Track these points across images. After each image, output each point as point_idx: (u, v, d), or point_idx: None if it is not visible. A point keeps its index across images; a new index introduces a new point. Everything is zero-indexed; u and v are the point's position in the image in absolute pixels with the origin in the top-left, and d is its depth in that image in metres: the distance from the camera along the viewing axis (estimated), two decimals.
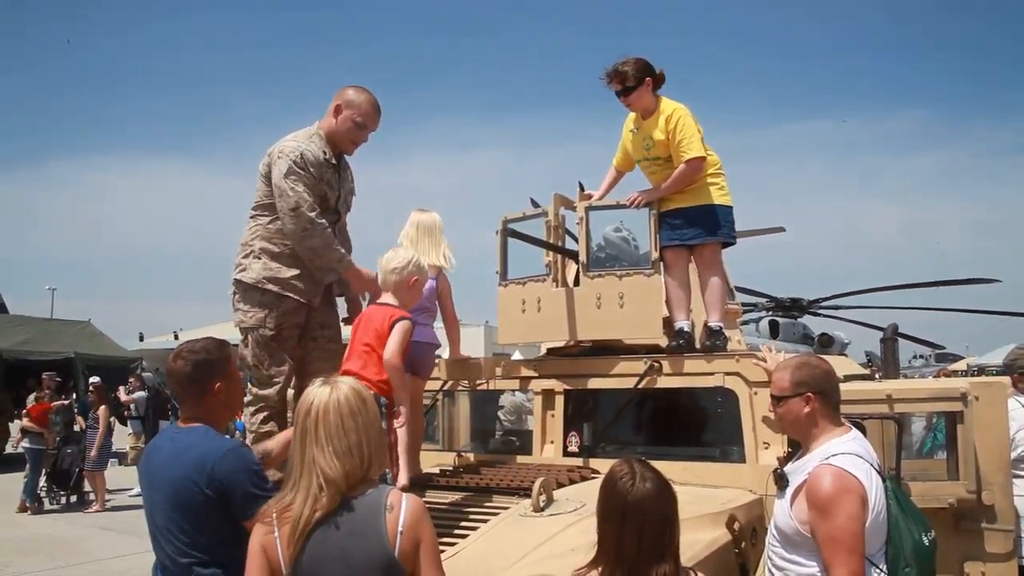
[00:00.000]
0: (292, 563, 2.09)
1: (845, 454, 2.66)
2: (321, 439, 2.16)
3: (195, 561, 2.52)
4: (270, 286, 3.68)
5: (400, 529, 2.11)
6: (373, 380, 3.25)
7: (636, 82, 4.33)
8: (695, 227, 4.37)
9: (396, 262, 3.56)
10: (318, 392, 2.22)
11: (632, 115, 4.55)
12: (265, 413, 3.70)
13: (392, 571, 2.10)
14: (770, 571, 2.88)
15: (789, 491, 2.74)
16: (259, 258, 3.71)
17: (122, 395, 13.82)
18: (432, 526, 2.22)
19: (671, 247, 4.43)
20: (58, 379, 13.77)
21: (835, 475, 2.59)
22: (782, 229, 14.26)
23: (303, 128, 3.84)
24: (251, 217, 3.80)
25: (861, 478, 2.60)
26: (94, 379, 13.22)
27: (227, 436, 2.77)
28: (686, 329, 4.38)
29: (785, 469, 2.87)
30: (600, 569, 2.25)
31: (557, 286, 4.54)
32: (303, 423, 2.20)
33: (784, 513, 2.74)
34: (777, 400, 2.84)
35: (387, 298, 3.58)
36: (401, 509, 2.14)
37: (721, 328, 4.37)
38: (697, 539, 3.02)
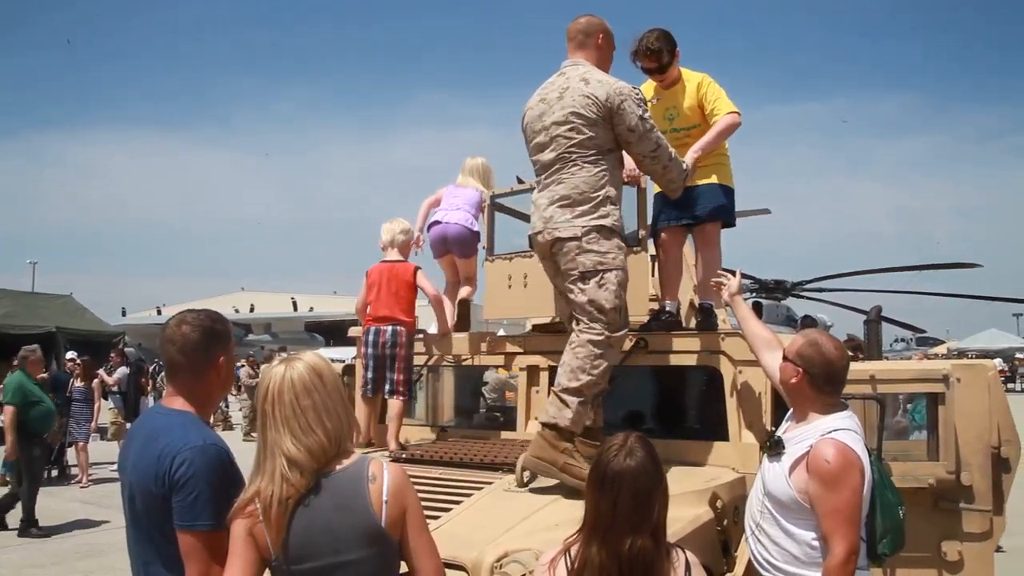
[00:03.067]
0: (279, 545, 2.07)
1: (845, 430, 2.76)
2: (279, 421, 2.12)
3: (156, 564, 2.33)
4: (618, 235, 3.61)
5: (385, 498, 2.10)
6: (406, 320, 4.46)
7: (670, 56, 4.21)
8: (701, 206, 4.29)
9: (403, 226, 4.64)
10: (272, 373, 2.18)
11: (647, 85, 4.39)
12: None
13: (380, 540, 2.09)
14: (753, 534, 2.94)
15: (787, 459, 2.81)
16: (614, 204, 3.57)
17: (107, 378, 13.71)
18: (416, 493, 2.22)
19: (670, 227, 4.38)
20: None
21: (840, 450, 2.68)
22: (767, 211, 14.31)
23: (584, 69, 3.64)
24: (592, 161, 3.51)
25: (861, 454, 2.73)
26: (80, 356, 13.12)
27: (207, 430, 2.43)
28: (670, 309, 4.34)
29: (782, 435, 2.92)
30: (582, 536, 2.27)
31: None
32: (261, 407, 2.16)
33: (780, 479, 2.81)
34: (784, 356, 2.96)
35: (393, 254, 4.60)
36: (384, 478, 2.13)
37: (712, 307, 4.34)
38: (680, 516, 3.04)
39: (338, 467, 2.15)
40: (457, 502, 3.19)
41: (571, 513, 3.07)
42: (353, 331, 4.91)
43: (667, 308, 4.36)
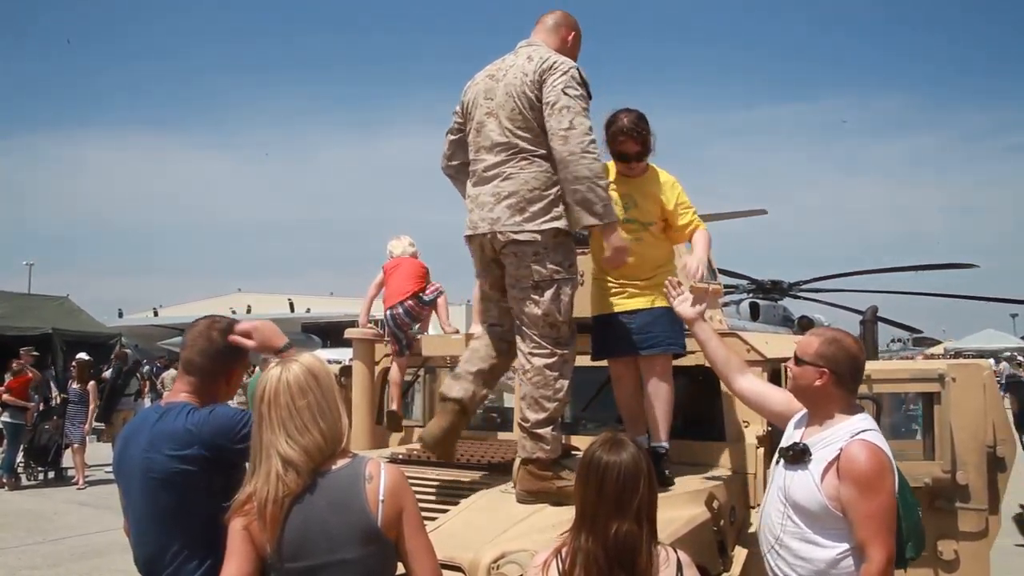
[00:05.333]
0: (274, 543, 2.08)
1: (872, 430, 2.66)
2: (275, 422, 2.13)
3: (184, 550, 2.35)
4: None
5: (381, 498, 2.11)
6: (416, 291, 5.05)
7: (649, 146, 3.70)
8: (650, 336, 3.62)
9: (410, 239, 5.39)
10: (268, 375, 2.20)
11: (610, 166, 3.78)
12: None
13: (375, 540, 2.10)
14: (773, 550, 2.75)
15: (816, 465, 2.64)
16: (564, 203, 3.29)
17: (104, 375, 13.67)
18: (413, 493, 2.23)
19: (620, 359, 3.77)
20: (35, 353, 13.62)
21: (873, 452, 2.57)
22: (764, 211, 14.34)
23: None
24: (541, 156, 3.27)
25: (890, 455, 2.63)
26: (81, 355, 13.08)
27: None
28: (661, 451, 3.62)
29: (806, 441, 2.74)
30: (572, 530, 2.29)
31: None
32: (258, 409, 2.18)
33: (809, 487, 2.64)
34: (797, 360, 2.80)
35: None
36: (380, 478, 2.14)
37: (667, 450, 3.64)
38: (676, 516, 3.05)
39: (335, 466, 2.16)
40: (454, 503, 3.19)
41: (568, 514, 3.07)
42: (350, 332, 4.92)
43: (660, 451, 3.63)
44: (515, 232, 3.21)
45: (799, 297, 17.51)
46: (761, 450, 3.76)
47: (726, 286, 12.86)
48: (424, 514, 3.04)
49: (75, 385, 12.31)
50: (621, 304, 3.69)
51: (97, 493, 11.08)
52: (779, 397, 3.15)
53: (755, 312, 16.02)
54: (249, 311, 46.83)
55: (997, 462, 3.82)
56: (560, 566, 2.24)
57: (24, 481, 12.11)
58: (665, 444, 3.63)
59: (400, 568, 2.20)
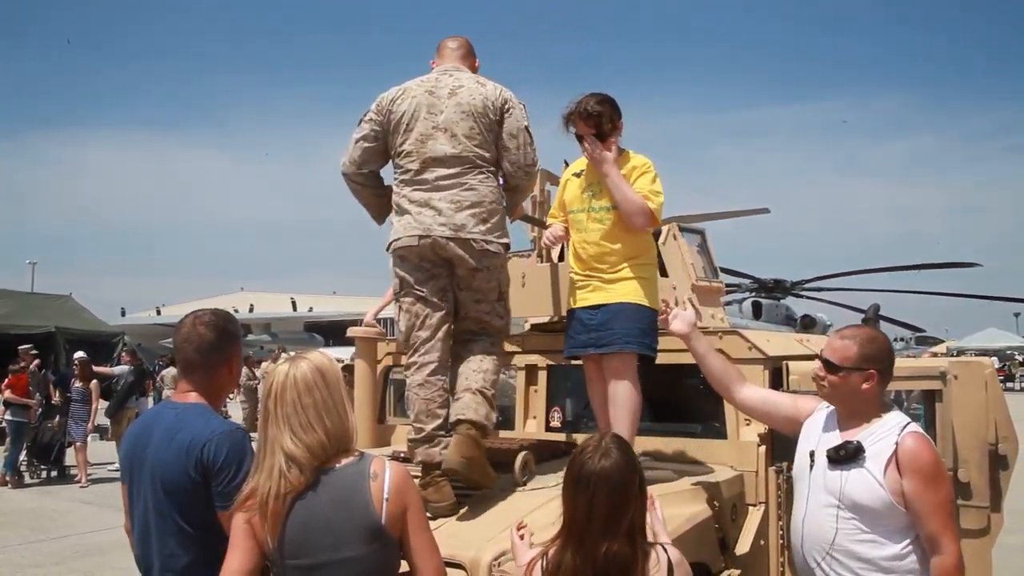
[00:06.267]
0: (275, 539, 2.09)
1: (914, 423, 2.66)
2: (279, 418, 2.15)
3: (183, 555, 2.38)
4: None
5: (386, 496, 2.12)
6: None
7: (611, 125, 3.54)
8: (608, 331, 3.47)
9: None
10: (276, 372, 2.22)
11: (581, 161, 3.74)
12: None
13: (379, 537, 2.11)
14: (826, 560, 2.64)
15: (874, 462, 2.58)
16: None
17: (112, 370, 13.72)
18: (418, 492, 2.24)
19: (587, 357, 3.63)
20: (33, 352, 13.60)
21: (929, 443, 2.59)
22: (767, 210, 14.32)
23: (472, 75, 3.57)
24: (493, 173, 3.46)
25: None
26: (79, 354, 13.10)
27: (224, 418, 2.59)
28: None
29: (856, 438, 2.66)
30: (559, 540, 2.26)
31: (542, 261, 4.54)
32: (264, 404, 2.20)
33: (870, 485, 2.57)
34: (836, 368, 2.70)
35: None
36: (385, 476, 2.15)
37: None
38: (677, 514, 3.05)
39: (339, 464, 2.16)
40: (456, 501, 3.19)
41: None
42: (352, 331, 4.92)
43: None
44: (487, 243, 3.32)
45: (801, 296, 17.53)
46: (763, 448, 3.76)
47: (729, 285, 12.84)
48: (426, 512, 3.07)
49: (77, 384, 12.33)
50: (585, 299, 3.57)
51: (99, 491, 11.10)
52: (786, 402, 3.11)
53: (757, 311, 16.04)
54: (252, 310, 46.91)
55: (999, 460, 3.82)
56: (544, 567, 2.24)
57: (27, 479, 12.14)
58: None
59: (404, 566, 2.20)
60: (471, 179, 3.34)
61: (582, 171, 3.68)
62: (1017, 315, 55.68)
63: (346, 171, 3.63)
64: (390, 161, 3.55)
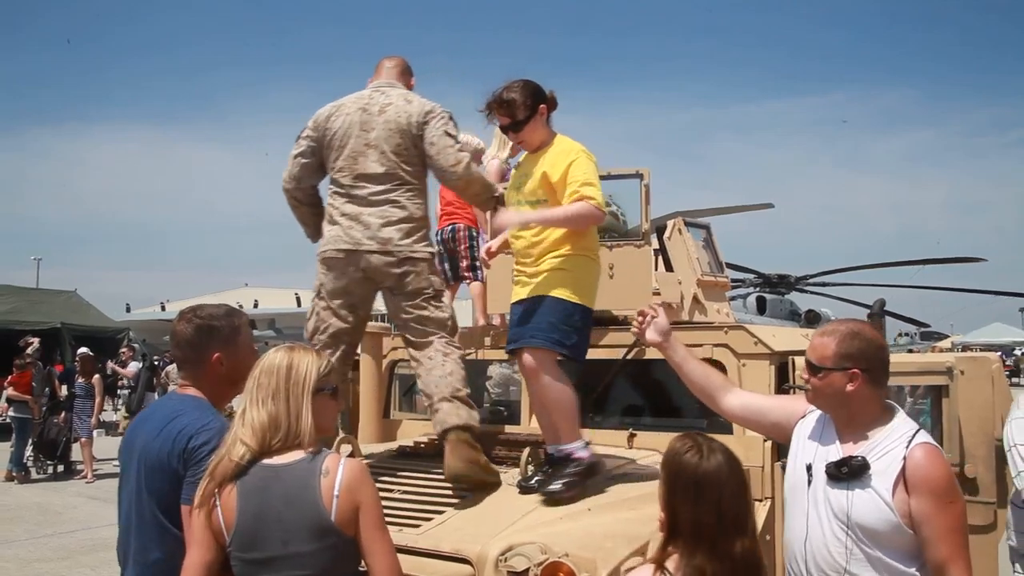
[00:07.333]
0: (230, 532, 2.13)
1: (924, 431, 2.38)
2: (246, 391, 2.26)
3: (154, 550, 2.39)
4: None
5: (336, 493, 2.11)
6: (466, 217, 5.45)
7: (528, 111, 3.35)
8: (523, 326, 3.29)
9: None
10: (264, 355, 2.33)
11: (524, 156, 3.61)
12: None
13: (329, 535, 2.10)
14: None
15: (881, 480, 2.32)
16: None
17: (122, 371, 13.78)
18: (374, 489, 2.21)
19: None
20: (31, 340, 13.62)
21: (940, 456, 2.30)
22: (771, 205, 14.30)
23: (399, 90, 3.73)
24: (419, 189, 3.66)
25: None
26: (82, 350, 13.15)
27: (222, 415, 2.56)
28: (577, 455, 3.23)
29: (859, 452, 2.40)
30: (676, 553, 2.09)
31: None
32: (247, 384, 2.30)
33: (877, 504, 2.31)
34: (815, 369, 2.45)
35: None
36: (338, 473, 2.14)
37: (569, 455, 3.24)
38: None
39: (294, 459, 2.17)
40: (462, 496, 3.20)
41: (575, 506, 3.08)
42: None
43: (573, 455, 3.23)
44: (412, 251, 3.53)
45: (806, 291, 17.48)
46: (768, 443, 3.75)
47: (732, 280, 12.83)
48: (432, 508, 3.08)
49: (80, 379, 12.37)
50: (515, 293, 3.45)
51: (105, 486, 11.13)
52: (775, 406, 2.87)
53: (762, 306, 16.00)
54: (256, 305, 46.94)
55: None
56: None
57: (33, 475, 12.18)
58: (568, 446, 3.24)
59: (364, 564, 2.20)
60: (400, 196, 3.53)
61: (521, 162, 3.63)
62: (1022, 310, 55.49)
63: (286, 187, 3.82)
64: (327, 176, 3.72)
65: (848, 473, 2.35)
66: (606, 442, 3.99)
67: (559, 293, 3.26)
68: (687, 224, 5.35)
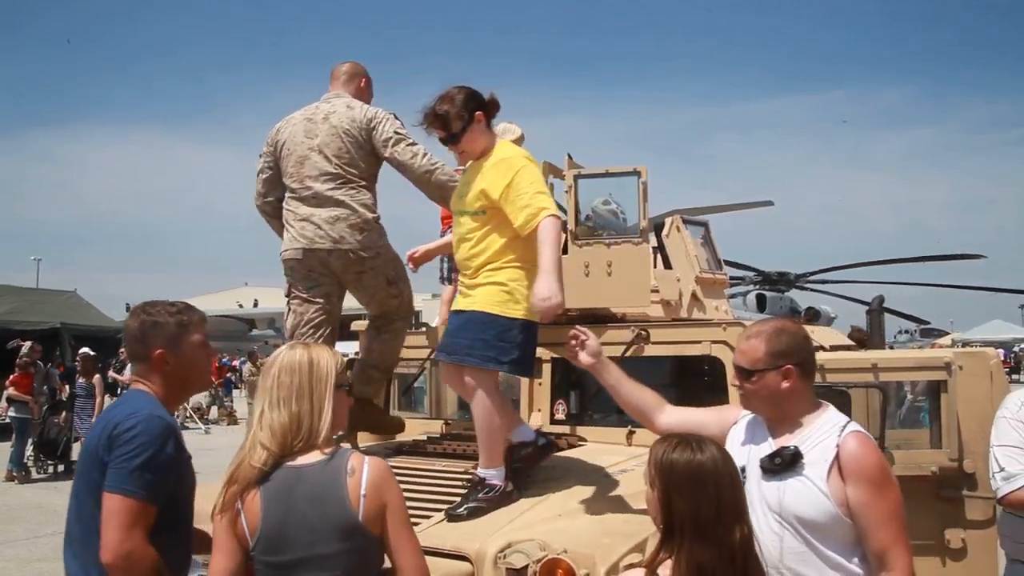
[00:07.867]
0: (255, 536, 2.10)
1: (854, 422, 2.40)
2: (262, 391, 2.22)
3: (81, 532, 2.36)
4: None
5: (363, 492, 2.09)
6: None
7: (464, 122, 3.21)
8: (454, 340, 3.21)
9: None
10: (276, 352, 2.31)
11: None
12: None
13: (356, 534, 2.08)
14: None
15: (814, 469, 2.31)
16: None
17: (124, 377, 13.82)
18: (398, 488, 2.19)
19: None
20: (23, 342, 13.59)
21: (872, 444, 2.31)
22: (770, 203, 14.30)
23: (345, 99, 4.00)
24: (366, 187, 3.91)
25: None
26: (83, 350, 13.14)
27: (163, 408, 2.45)
28: (490, 481, 3.12)
29: (792, 443, 2.38)
30: (670, 557, 2.03)
31: None
32: (259, 381, 2.28)
33: (813, 495, 2.30)
34: (747, 373, 2.44)
35: None
36: (363, 472, 2.12)
37: (483, 480, 3.12)
38: None
39: (316, 459, 2.14)
40: (461, 494, 3.20)
41: (572, 504, 3.09)
42: (356, 325, 4.92)
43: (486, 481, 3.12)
44: (364, 251, 3.79)
45: (805, 288, 17.47)
46: None
47: (732, 278, 12.83)
48: (432, 505, 3.08)
49: (81, 379, 12.37)
50: (456, 302, 3.37)
51: None
52: (712, 419, 2.78)
53: (761, 303, 16.02)
54: (256, 305, 46.89)
55: None
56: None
57: (34, 475, 12.18)
58: (480, 472, 3.14)
59: (388, 562, 2.18)
60: (345, 196, 3.76)
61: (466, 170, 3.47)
62: (1022, 307, 55.46)
63: (256, 203, 4.16)
64: None
65: (781, 464, 2.35)
66: (605, 439, 4.00)
67: (495, 309, 3.14)
68: (685, 222, 5.35)
